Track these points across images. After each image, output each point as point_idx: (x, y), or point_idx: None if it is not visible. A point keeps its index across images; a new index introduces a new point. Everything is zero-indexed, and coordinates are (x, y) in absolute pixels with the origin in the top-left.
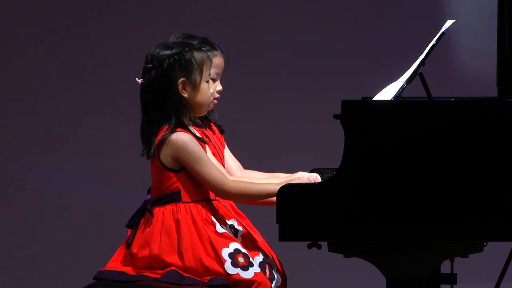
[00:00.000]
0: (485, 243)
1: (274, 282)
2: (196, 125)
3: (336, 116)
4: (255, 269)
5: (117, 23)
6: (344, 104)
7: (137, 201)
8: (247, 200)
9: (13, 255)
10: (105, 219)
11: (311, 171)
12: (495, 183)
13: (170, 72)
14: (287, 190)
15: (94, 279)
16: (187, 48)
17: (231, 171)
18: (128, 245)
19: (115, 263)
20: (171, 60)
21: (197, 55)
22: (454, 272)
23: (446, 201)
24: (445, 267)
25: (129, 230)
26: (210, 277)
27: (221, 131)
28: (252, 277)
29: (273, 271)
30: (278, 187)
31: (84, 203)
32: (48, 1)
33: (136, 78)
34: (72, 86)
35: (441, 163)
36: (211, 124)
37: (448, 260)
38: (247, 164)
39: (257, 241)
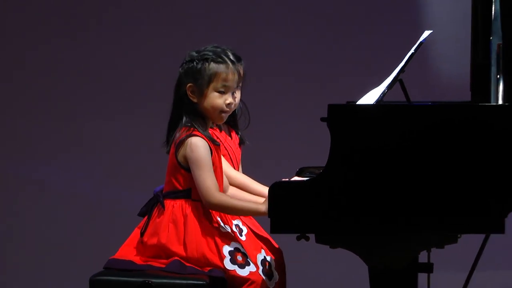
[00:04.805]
0: (459, 235)
1: (272, 278)
2: (213, 127)
3: (323, 119)
4: (251, 268)
5: (120, 24)
6: (330, 108)
7: (141, 198)
8: (226, 213)
9: (13, 255)
10: (105, 218)
11: (299, 170)
12: (468, 180)
13: (183, 76)
14: (278, 187)
15: (104, 268)
16: (204, 58)
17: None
18: (142, 233)
19: (127, 248)
20: (185, 66)
21: (213, 66)
22: (431, 261)
23: (424, 197)
24: (422, 257)
25: (144, 218)
26: (210, 268)
27: (240, 142)
28: (247, 275)
29: (272, 268)
30: (260, 207)
31: (89, 199)
32: (55, 3)
33: None
34: (78, 86)
35: (419, 162)
36: (232, 131)
37: (425, 250)
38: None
39: (261, 240)
